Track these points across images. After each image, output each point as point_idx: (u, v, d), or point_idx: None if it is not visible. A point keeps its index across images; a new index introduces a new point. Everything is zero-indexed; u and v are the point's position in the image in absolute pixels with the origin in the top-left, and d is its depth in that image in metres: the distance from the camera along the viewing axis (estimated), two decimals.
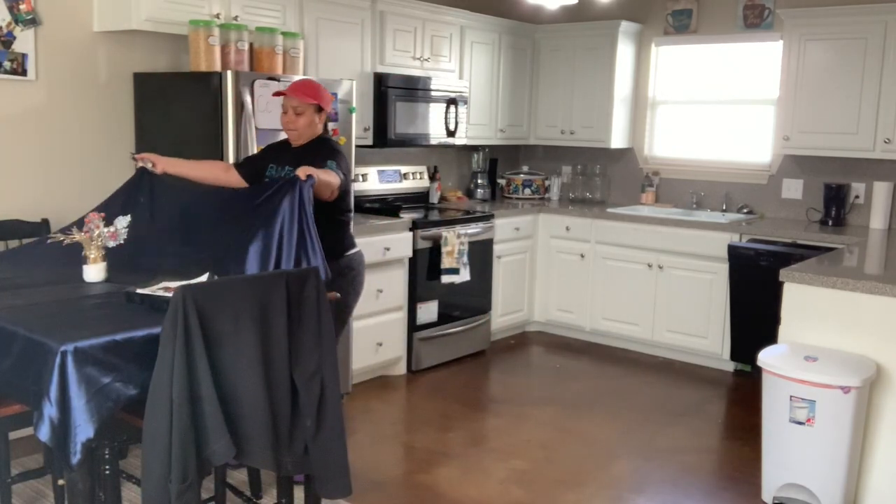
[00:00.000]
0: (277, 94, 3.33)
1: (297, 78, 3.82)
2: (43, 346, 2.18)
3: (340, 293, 3.31)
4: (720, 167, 5.64)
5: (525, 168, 6.46)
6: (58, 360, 2.12)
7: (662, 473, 3.60)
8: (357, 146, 4.30)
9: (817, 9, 4.87)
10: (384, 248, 4.50)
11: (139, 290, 2.56)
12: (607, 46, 5.69)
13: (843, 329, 3.14)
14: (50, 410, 2.13)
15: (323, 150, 3.30)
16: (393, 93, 4.80)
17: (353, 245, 3.46)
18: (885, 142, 4.67)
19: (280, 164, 3.33)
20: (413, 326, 4.81)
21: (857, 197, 5.08)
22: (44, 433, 2.14)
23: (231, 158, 3.60)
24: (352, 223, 3.54)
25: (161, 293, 2.52)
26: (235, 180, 3.34)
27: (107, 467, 2.45)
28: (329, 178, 3.07)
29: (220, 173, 3.37)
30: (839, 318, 3.15)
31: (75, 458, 2.16)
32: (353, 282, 3.43)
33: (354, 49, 4.62)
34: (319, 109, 3.30)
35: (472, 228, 5.08)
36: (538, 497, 3.33)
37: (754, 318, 4.66)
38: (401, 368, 4.84)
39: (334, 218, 3.31)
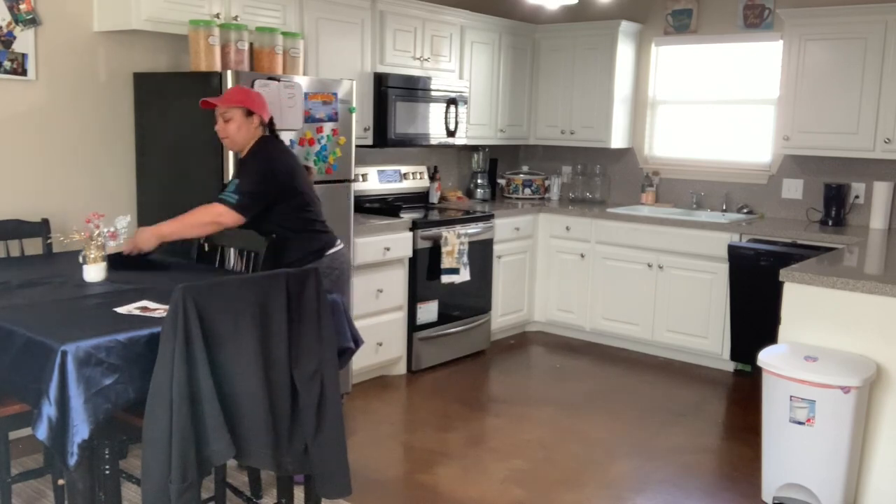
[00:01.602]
0: (204, 103, 3.24)
1: (297, 78, 3.83)
2: (43, 345, 2.18)
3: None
4: (720, 167, 5.64)
5: (525, 168, 6.46)
6: (58, 359, 2.12)
7: (662, 473, 3.60)
8: (357, 146, 4.30)
9: (817, 9, 4.87)
10: (384, 248, 4.50)
11: (117, 310, 2.49)
12: (607, 46, 5.69)
13: (843, 329, 3.14)
14: (49, 410, 2.13)
15: (248, 160, 3.21)
16: (393, 93, 4.80)
17: (332, 244, 3.38)
18: (885, 142, 4.67)
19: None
20: (413, 326, 4.81)
21: (857, 197, 5.08)
22: (42, 432, 2.14)
23: (231, 159, 3.59)
24: (318, 218, 3.37)
25: (138, 312, 2.48)
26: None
27: (107, 467, 2.45)
28: (193, 219, 2.98)
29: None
30: (839, 318, 3.15)
31: (72, 460, 2.16)
32: (338, 280, 3.37)
33: (354, 49, 4.62)
34: (249, 113, 3.20)
35: (472, 228, 5.08)
36: (538, 497, 3.33)
37: (754, 318, 4.66)
38: (401, 368, 4.84)
39: (292, 217, 3.23)
